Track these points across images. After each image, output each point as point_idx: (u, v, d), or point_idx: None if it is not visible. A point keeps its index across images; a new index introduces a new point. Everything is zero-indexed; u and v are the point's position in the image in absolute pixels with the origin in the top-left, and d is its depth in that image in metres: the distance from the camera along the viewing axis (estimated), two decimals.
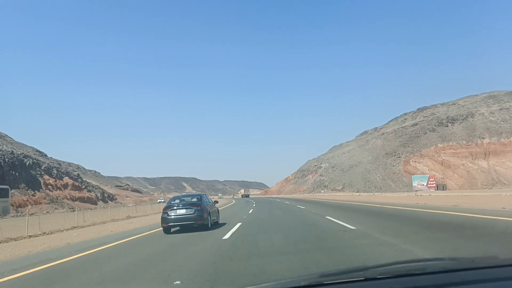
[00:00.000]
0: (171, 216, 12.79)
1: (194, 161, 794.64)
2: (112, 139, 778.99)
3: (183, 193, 24.41)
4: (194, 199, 14.19)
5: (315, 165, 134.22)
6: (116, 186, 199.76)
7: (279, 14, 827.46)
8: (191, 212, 12.82)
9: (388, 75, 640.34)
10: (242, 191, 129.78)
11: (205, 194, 15.81)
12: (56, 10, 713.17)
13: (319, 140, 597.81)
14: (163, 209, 13.36)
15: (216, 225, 14.67)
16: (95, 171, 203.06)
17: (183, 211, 12.86)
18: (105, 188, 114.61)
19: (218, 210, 16.52)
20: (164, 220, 12.83)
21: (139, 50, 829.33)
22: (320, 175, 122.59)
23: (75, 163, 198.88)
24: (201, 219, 12.89)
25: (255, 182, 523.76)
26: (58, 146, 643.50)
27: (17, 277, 6.76)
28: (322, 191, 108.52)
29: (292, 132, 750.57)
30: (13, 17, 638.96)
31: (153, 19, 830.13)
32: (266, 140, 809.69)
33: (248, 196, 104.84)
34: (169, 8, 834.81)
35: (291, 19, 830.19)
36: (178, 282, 5.34)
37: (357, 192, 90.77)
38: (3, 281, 6.46)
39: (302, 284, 1.74)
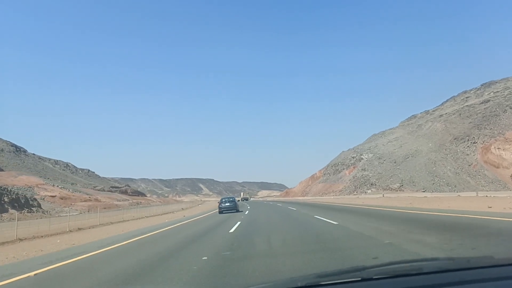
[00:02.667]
0: (222, 206, 30.23)
1: (211, 162, 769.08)
2: (128, 141, 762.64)
3: (224, 196, 45.08)
4: (231, 199, 31.92)
5: (353, 157, 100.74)
6: (113, 187, 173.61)
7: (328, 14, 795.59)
8: (231, 205, 30.22)
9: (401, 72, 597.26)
10: (242, 194, 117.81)
11: (234, 197, 38.88)
12: (56, 11, 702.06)
13: (349, 132, 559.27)
14: (218, 203, 32.33)
15: (238, 212, 28.89)
16: (88, 170, 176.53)
17: (227, 204, 30.43)
18: (52, 188, 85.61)
19: (238, 204, 33.84)
20: (219, 208, 30.32)
21: (158, 56, 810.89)
22: (362, 170, 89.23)
23: (64, 160, 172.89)
24: (236, 208, 30.04)
25: (275, 183, 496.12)
26: (65, 147, 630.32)
27: None
28: (369, 190, 75.33)
29: (315, 129, 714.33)
30: (13, 17, 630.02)
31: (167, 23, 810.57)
32: (287, 139, 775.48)
33: (248, 200, 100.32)
34: (174, 11, 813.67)
35: (313, 20, 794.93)
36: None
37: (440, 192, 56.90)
38: None
39: (299, 284, 1.72)
